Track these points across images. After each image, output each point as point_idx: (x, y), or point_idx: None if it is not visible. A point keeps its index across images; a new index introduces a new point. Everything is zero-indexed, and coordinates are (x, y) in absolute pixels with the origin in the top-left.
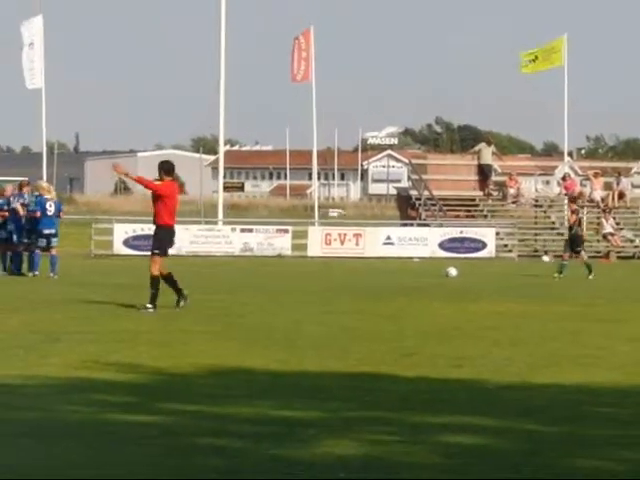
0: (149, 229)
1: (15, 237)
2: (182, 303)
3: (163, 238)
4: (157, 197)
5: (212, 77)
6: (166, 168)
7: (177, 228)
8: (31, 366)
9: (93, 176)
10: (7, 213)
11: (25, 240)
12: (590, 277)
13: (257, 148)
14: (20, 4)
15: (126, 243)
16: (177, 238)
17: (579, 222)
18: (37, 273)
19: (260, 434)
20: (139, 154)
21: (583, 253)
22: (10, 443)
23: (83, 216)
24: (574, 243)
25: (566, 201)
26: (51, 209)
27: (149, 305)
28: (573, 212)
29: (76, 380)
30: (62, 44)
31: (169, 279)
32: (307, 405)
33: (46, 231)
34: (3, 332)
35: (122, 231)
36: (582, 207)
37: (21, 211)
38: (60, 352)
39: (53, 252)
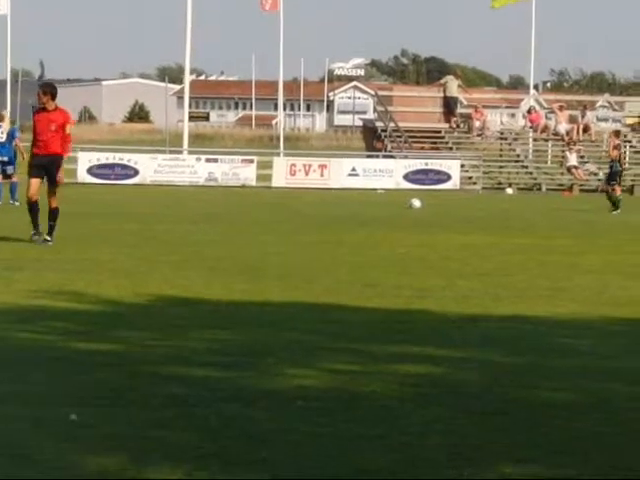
0: (114, 158)
1: None
2: (36, 238)
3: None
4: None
5: (179, 5)
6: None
7: (142, 157)
8: None
9: (58, 104)
10: None
11: None
12: (614, 213)
13: (223, 78)
14: None
15: (90, 171)
16: (142, 166)
17: (619, 157)
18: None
19: (221, 363)
20: (104, 82)
21: (617, 188)
22: None
23: None
24: (611, 177)
25: (532, 134)
26: (2, 136)
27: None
28: (615, 147)
29: (37, 308)
30: None
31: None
32: (269, 335)
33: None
34: None
35: (86, 159)
36: (546, 140)
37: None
38: (22, 280)
39: (13, 179)
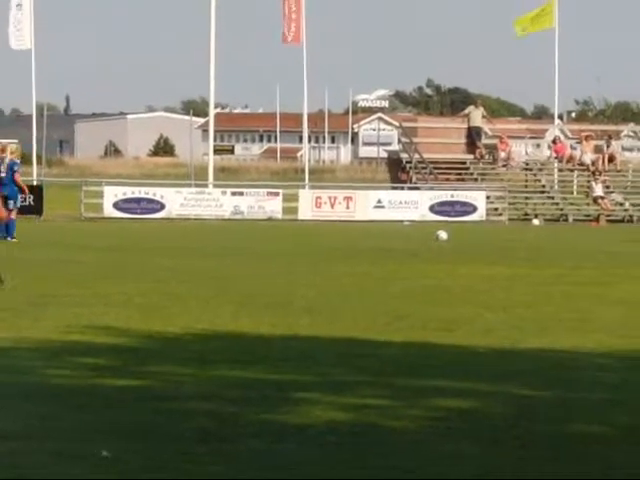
0: (139, 192)
1: None
2: None
3: None
4: None
5: (202, 39)
6: None
7: (168, 191)
8: (21, 329)
9: (83, 138)
10: None
11: None
12: None
13: (247, 111)
14: None
15: (116, 206)
16: (168, 200)
17: None
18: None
19: (250, 398)
20: (129, 116)
21: None
22: (3, 406)
23: (73, 179)
24: None
25: (557, 164)
26: (2, 170)
27: None
28: None
29: (66, 343)
30: (51, 4)
31: None
32: (297, 369)
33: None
34: None
35: (112, 194)
36: (572, 170)
37: None
38: (50, 315)
39: (11, 215)
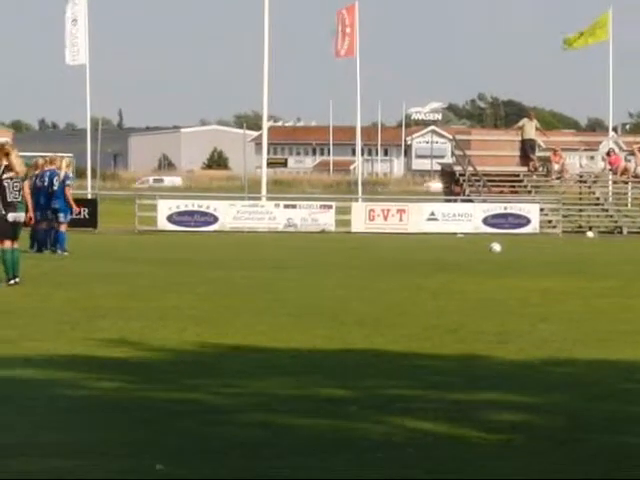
0: (193, 205)
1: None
2: None
3: None
4: None
5: (256, 52)
6: None
7: (221, 204)
8: (77, 342)
9: (137, 152)
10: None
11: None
12: None
13: (301, 124)
14: None
15: (170, 219)
16: (222, 213)
17: None
18: (58, 251)
19: (303, 410)
20: (183, 130)
21: None
22: (59, 419)
23: (127, 192)
24: None
25: (611, 176)
26: (56, 183)
27: None
28: None
29: (120, 356)
30: (106, 19)
31: None
32: (351, 382)
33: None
34: (49, 308)
35: (166, 207)
36: (626, 183)
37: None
38: (105, 328)
39: (60, 228)
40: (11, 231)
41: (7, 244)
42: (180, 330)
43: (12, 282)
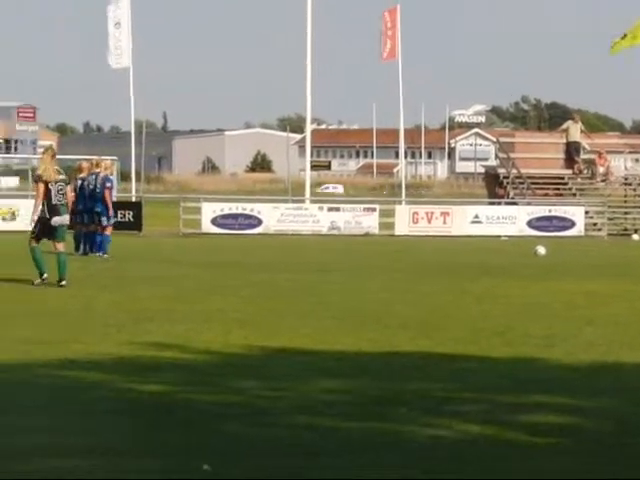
0: (237, 208)
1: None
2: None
3: None
4: None
5: (299, 55)
6: None
7: (265, 206)
8: (123, 345)
9: (181, 155)
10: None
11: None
12: None
13: (344, 127)
14: None
15: (214, 222)
16: (266, 216)
17: None
18: (99, 254)
19: (351, 413)
20: (227, 133)
21: None
22: (104, 421)
23: (171, 195)
24: None
25: None
26: (98, 186)
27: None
28: None
29: (166, 359)
30: (150, 22)
31: None
32: (397, 385)
33: (95, 209)
34: (95, 311)
35: (210, 210)
36: None
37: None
38: (150, 331)
39: (105, 232)
40: (50, 232)
41: (59, 247)
42: (225, 333)
43: (61, 284)
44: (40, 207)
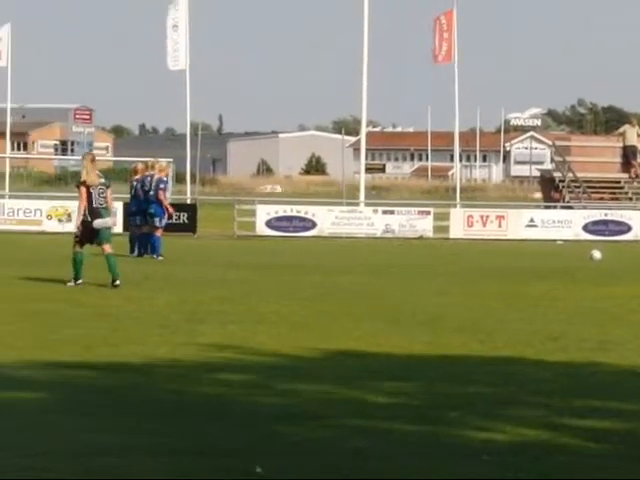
0: (291, 210)
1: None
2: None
3: None
4: None
5: (354, 58)
6: None
7: (320, 209)
8: (177, 346)
9: (236, 157)
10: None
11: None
12: None
13: (399, 130)
14: None
15: (268, 224)
16: (320, 218)
17: None
18: (153, 255)
19: (404, 416)
20: (281, 135)
21: None
22: (157, 422)
23: (226, 197)
24: None
25: None
26: (152, 187)
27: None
28: None
29: (219, 360)
30: (206, 25)
31: None
32: (451, 388)
33: (148, 210)
34: (150, 312)
35: (264, 212)
36: None
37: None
38: (204, 333)
39: (156, 233)
40: (93, 236)
41: (106, 249)
42: (279, 335)
43: (115, 284)
44: (81, 210)
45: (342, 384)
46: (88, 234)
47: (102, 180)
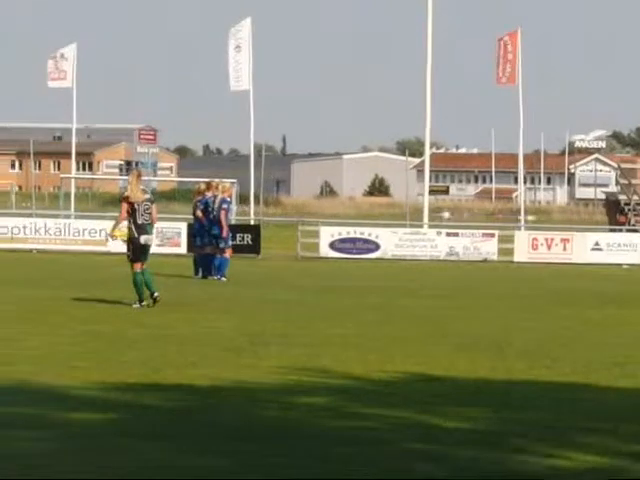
0: (355, 232)
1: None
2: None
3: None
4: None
5: (417, 79)
6: None
7: (383, 231)
8: (242, 369)
9: (299, 178)
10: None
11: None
12: None
13: (463, 151)
14: (229, 8)
15: (332, 246)
16: (384, 240)
17: None
18: (217, 277)
19: (470, 442)
20: (345, 156)
21: None
22: (225, 445)
23: (290, 218)
24: None
25: None
26: (215, 208)
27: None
28: None
29: (286, 383)
30: (269, 46)
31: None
32: (517, 414)
33: (212, 232)
34: (214, 334)
35: (328, 234)
36: None
37: (199, 214)
38: (269, 355)
39: (224, 254)
40: (143, 254)
41: (138, 267)
42: (344, 358)
43: (154, 296)
44: (119, 225)
45: (408, 408)
46: (139, 251)
47: (147, 196)
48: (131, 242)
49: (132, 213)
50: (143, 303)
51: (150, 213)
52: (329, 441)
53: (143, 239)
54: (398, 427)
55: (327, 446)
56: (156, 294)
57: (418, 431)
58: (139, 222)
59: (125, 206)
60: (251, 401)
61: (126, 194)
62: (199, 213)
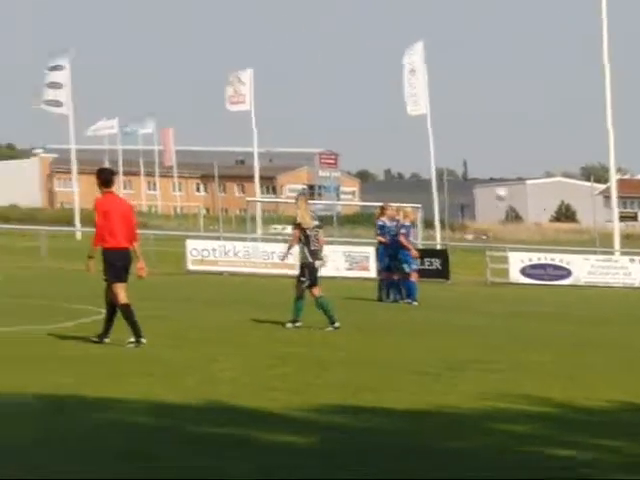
0: (545, 258)
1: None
2: (131, 343)
3: (112, 263)
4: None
5: (599, 103)
6: (103, 178)
7: (574, 257)
8: (438, 394)
9: (482, 203)
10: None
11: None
12: None
13: None
14: (402, 31)
15: (523, 272)
16: (575, 267)
17: None
18: (408, 301)
19: None
20: (528, 181)
21: None
22: (444, 470)
23: (477, 244)
24: None
25: None
26: (397, 233)
27: (132, 339)
28: None
29: (486, 409)
30: (446, 69)
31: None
32: None
33: (397, 256)
34: (407, 358)
35: (518, 259)
36: None
37: (382, 239)
38: (467, 381)
39: (411, 278)
40: (316, 277)
41: (317, 291)
42: (544, 385)
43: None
44: (292, 251)
45: (616, 438)
46: (313, 277)
47: (316, 222)
48: (306, 267)
49: (304, 238)
50: (298, 324)
51: (318, 239)
52: (536, 469)
53: (317, 264)
54: (607, 457)
55: (534, 474)
56: (337, 324)
57: (626, 461)
58: (312, 248)
59: (297, 232)
60: (455, 427)
61: (298, 220)
62: (380, 238)
